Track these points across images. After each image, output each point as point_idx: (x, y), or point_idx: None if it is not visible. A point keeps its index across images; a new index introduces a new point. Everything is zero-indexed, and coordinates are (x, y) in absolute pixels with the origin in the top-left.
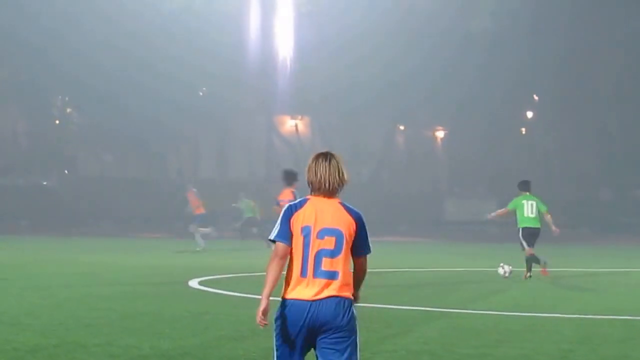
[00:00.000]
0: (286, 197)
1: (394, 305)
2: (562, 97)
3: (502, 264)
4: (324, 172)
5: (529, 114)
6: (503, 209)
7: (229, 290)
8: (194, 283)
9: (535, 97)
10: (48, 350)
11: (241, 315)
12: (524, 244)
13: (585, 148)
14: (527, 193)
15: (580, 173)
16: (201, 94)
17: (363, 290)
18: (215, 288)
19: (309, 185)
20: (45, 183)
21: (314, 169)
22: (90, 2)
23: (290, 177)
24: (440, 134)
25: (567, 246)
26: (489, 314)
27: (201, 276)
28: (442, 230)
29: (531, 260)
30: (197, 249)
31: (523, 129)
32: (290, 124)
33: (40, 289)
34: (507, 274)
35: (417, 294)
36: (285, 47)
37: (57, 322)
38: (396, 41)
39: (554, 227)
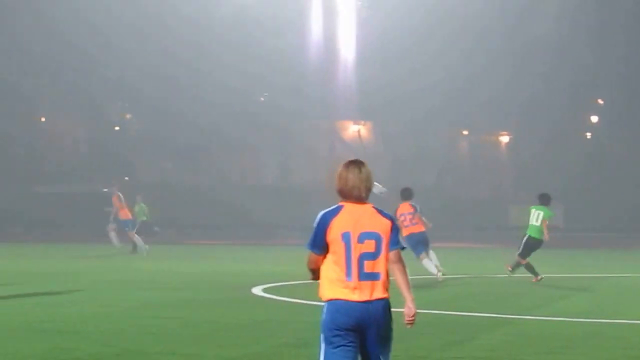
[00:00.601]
0: (405, 210)
1: (458, 311)
2: (627, 100)
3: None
4: (357, 180)
5: (594, 119)
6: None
7: (292, 297)
8: (257, 290)
9: (600, 101)
10: (110, 358)
11: (304, 323)
12: (521, 252)
13: None
14: (539, 204)
15: None
16: (262, 99)
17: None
18: (278, 295)
19: (338, 192)
20: (105, 190)
21: (345, 176)
22: (148, 10)
23: (408, 193)
24: (504, 138)
25: (634, 251)
26: (553, 320)
27: (264, 283)
28: (506, 235)
29: (528, 268)
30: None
31: (588, 134)
32: (353, 130)
33: (100, 297)
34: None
35: (481, 301)
36: (347, 53)
37: (118, 330)
38: (459, 46)
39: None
